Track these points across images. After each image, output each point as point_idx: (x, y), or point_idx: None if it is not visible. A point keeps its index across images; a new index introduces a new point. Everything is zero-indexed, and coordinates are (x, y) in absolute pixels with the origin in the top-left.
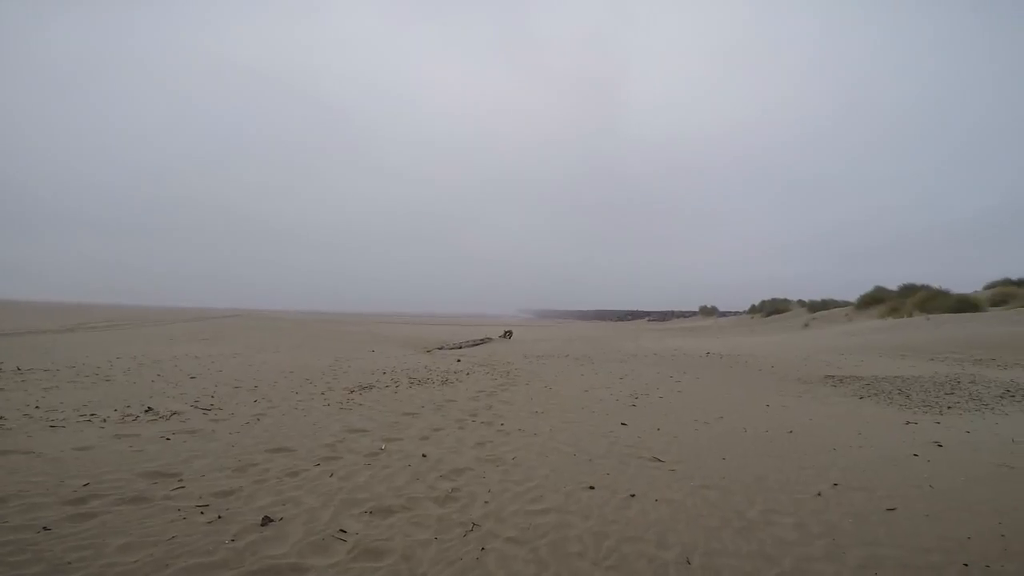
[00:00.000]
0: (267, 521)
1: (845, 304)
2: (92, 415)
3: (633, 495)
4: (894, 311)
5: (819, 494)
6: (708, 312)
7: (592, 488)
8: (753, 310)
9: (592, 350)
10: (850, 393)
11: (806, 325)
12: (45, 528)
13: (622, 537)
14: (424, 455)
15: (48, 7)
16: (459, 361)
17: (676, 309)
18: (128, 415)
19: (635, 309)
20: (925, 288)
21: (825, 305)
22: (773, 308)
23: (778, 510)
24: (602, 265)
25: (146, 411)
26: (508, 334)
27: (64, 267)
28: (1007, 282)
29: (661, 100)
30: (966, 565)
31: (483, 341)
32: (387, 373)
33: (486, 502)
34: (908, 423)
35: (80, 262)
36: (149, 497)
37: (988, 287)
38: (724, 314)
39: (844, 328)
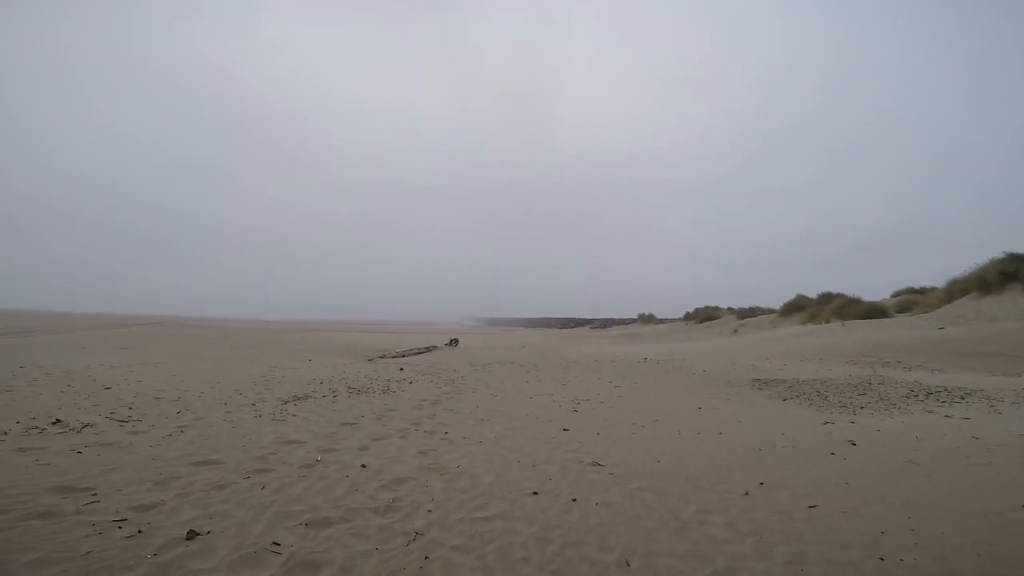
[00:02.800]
0: (193, 535)
1: (770, 311)
2: None
3: (575, 500)
4: (814, 317)
5: (747, 493)
6: (646, 319)
7: (536, 494)
8: (687, 317)
9: (537, 357)
10: (775, 395)
11: (735, 331)
12: None
13: (565, 542)
14: (363, 465)
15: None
16: (402, 370)
17: (617, 316)
18: (33, 427)
19: (578, 317)
20: (840, 296)
21: (752, 312)
22: (706, 315)
23: (710, 510)
24: (546, 273)
25: (54, 423)
26: (454, 342)
27: None
28: (911, 290)
29: (594, 114)
30: (882, 559)
31: (428, 349)
32: (324, 383)
33: (429, 511)
34: (826, 423)
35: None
36: (59, 512)
37: (895, 295)
38: (661, 321)
39: (769, 334)
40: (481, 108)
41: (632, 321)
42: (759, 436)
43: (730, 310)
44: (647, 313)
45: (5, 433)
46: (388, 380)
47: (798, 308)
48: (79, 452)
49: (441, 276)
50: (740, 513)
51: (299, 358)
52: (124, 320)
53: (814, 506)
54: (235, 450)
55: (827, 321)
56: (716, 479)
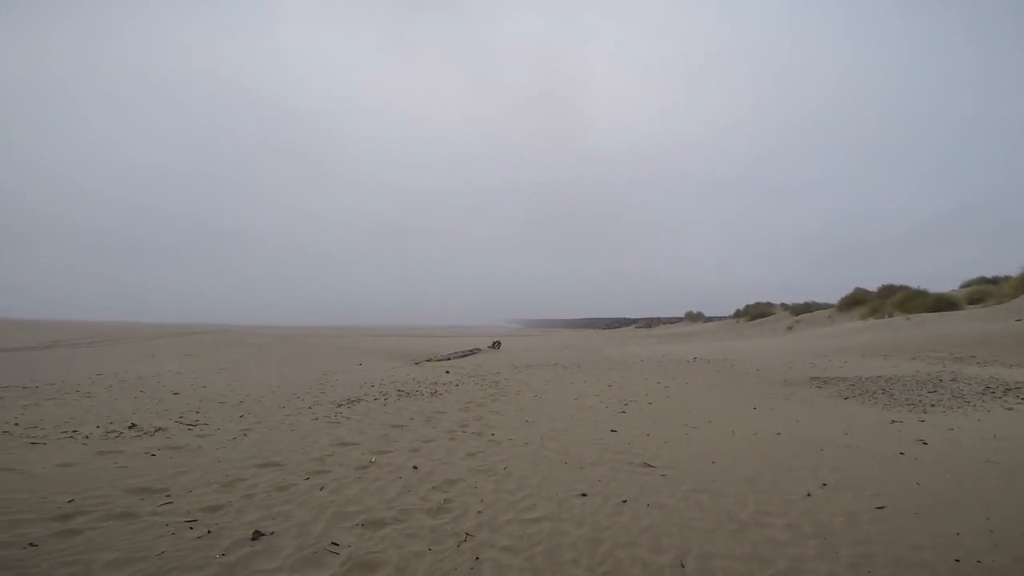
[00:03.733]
0: (258, 535)
1: (827, 307)
2: (74, 432)
3: (625, 501)
4: (875, 312)
5: (809, 495)
6: (694, 317)
7: (584, 495)
8: (738, 314)
9: (581, 358)
10: (835, 394)
11: (790, 328)
12: (31, 544)
13: (616, 543)
14: (415, 467)
15: (43, 35)
16: (448, 372)
17: (663, 315)
18: (111, 432)
19: (622, 316)
20: (904, 288)
21: (808, 308)
22: (757, 312)
23: (769, 511)
24: (586, 274)
25: (130, 427)
26: (496, 344)
27: (33, 283)
28: (982, 280)
29: (620, 111)
30: (957, 561)
31: (471, 352)
32: (375, 386)
33: (479, 512)
34: (893, 422)
35: (50, 278)
36: (136, 513)
37: (964, 285)
38: (710, 319)
39: (827, 330)
40: (504, 112)
41: (679, 320)
42: (820, 436)
43: (783, 306)
44: (695, 311)
45: (87, 437)
46: (435, 383)
47: (857, 302)
48: (153, 455)
49: (481, 279)
50: (801, 515)
51: (350, 362)
52: (186, 329)
53: (882, 507)
54: (294, 452)
55: (890, 315)
56: (775, 480)
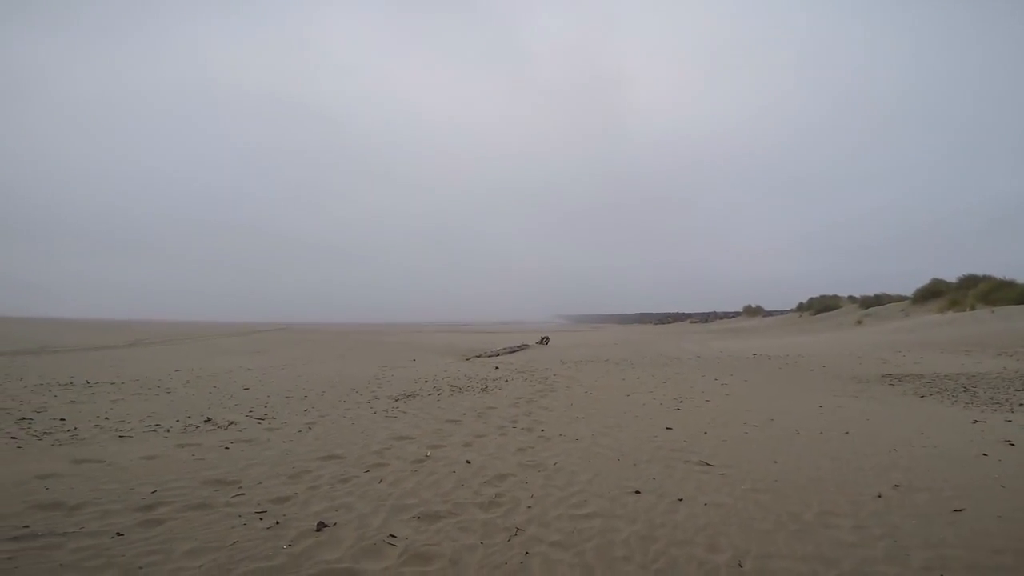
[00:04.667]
0: (322, 526)
1: (900, 299)
2: (156, 425)
3: (681, 499)
4: (954, 304)
5: (879, 495)
6: (753, 312)
7: (638, 492)
8: (801, 308)
9: (632, 354)
10: (910, 392)
11: (859, 322)
12: (118, 534)
13: (671, 541)
14: (468, 461)
15: (74, 48)
16: (497, 368)
17: (719, 310)
18: (189, 425)
19: (676, 311)
20: (987, 279)
21: (879, 300)
22: (822, 305)
23: (835, 512)
24: (636, 267)
25: (205, 421)
26: (545, 340)
27: (115, 286)
28: None
29: (660, 100)
30: None
31: (520, 348)
32: (429, 381)
33: (529, 507)
34: (975, 422)
35: (130, 281)
36: (212, 504)
37: None
38: (770, 313)
39: (900, 324)
40: (542, 108)
41: (737, 314)
42: (893, 435)
43: (851, 299)
44: (754, 305)
45: (168, 430)
46: (485, 379)
47: (935, 294)
48: (226, 448)
49: (528, 275)
50: (871, 516)
51: (404, 358)
52: (253, 327)
53: (960, 510)
54: (355, 445)
55: (972, 308)
56: (843, 481)
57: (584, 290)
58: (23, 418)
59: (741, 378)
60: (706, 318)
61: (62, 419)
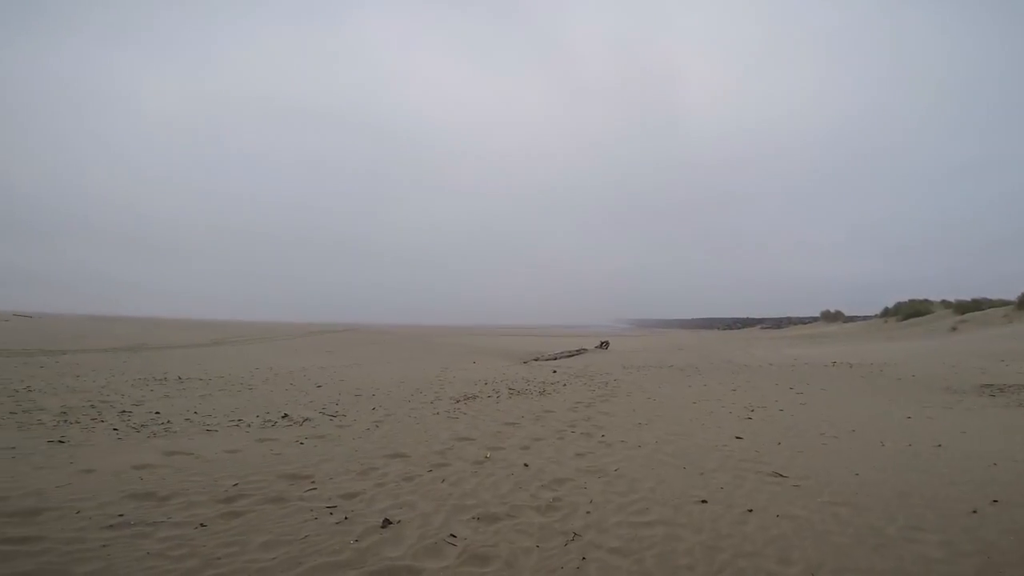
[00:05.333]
0: (387, 523)
1: (1003, 304)
2: (239, 420)
3: (751, 510)
4: None
5: (975, 511)
6: (831, 317)
7: (704, 502)
8: (886, 313)
9: (698, 360)
10: (1013, 403)
11: (953, 328)
12: (202, 525)
13: (738, 552)
14: (526, 464)
15: (140, 65)
16: (555, 372)
17: (793, 315)
18: (268, 421)
19: (745, 316)
20: None
21: (977, 305)
22: (911, 310)
23: (922, 527)
24: (701, 270)
25: (283, 417)
26: (604, 344)
27: (199, 287)
28: None
29: (715, 94)
30: None
31: (578, 352)
32: (488, 384)
33: (588, 512)
34: None
35: (212, 283)
36: (286, 497)
37: None
38: (851, 319)
39: (1002, 331)
40: (590, 108)
41: (814, 320)
42: (992, 449)
43: (944, 303)
44: (832, 310)
45: (249, 425)
46: (543, 382)
47: None
48: (301, 443)
49: (586, 279)
50: (963, 532)
51: (465, 360)
52: (323, 327)
53: None
54: (419, 444)
55: None
56: (933, 495)
57: (647, 294)
58: (124, 411)
59: (819, 387)
60: (779, 323)
61: (157, 412)
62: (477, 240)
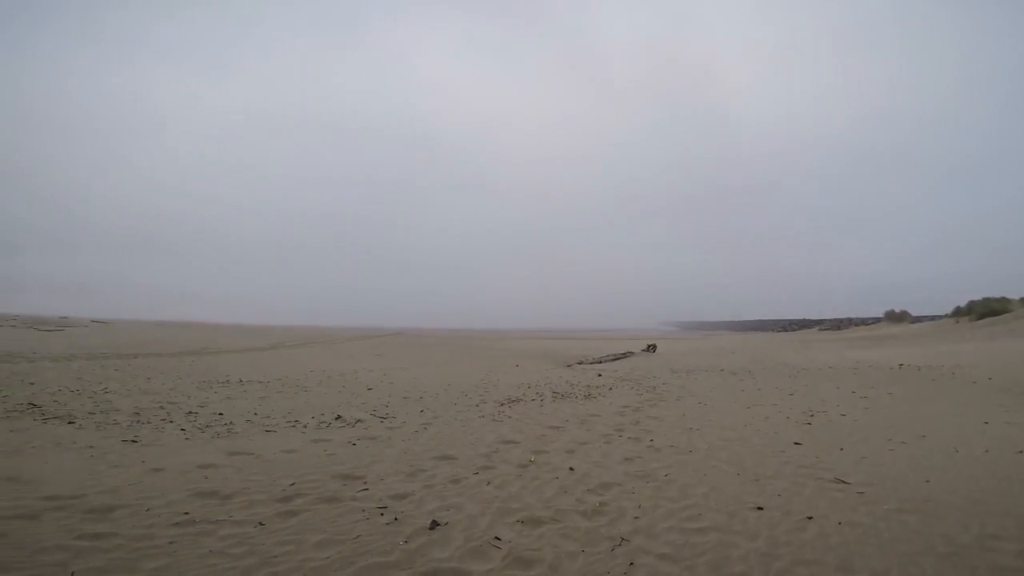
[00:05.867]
0: (435, 525)
1: None
2: (296, 421)
3: (810, 517)
4: None
5: None
6: (897, 318)
7: (760, 509)
8: (958, 313)
9: (751, 364)
10: None
11: None
12: (260, 523)
13: (796, 560)
14: (571, 468)
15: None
16: (600, 376)
17: (854, 315)
18: (323, 422)
19: (801, 317)
20: None
21: None
22: (986, 309)
23: (1000, 536)
24: (752, 270)
25: (336, 418)
26: (652, 348)
27: (255, 294)
28: None
29: (767, 97)
30: None
31: (624, 355)
32: (531, 387)
33: (636, 517)
34: None
35: (267, 290)
36: (340, 497)
37: None
38: (918, 319)
39: None
40: (629, 108)
41: (877, 320)
42: None
43: None
44: (897, 310)
45: (305, 426)
46: (588, 386)
47: None
48: (354, 444)
49: (631, 280)
50: None
51: (508, 363)
52: (372, 332)
53: None
54: (465, 447)
55: None
56: (1013, 503)
57: (694, 295)
58: (190, 412)
59: (884, 391)
60: (838, 325)
61: (220, 413)
62: (515, 243)
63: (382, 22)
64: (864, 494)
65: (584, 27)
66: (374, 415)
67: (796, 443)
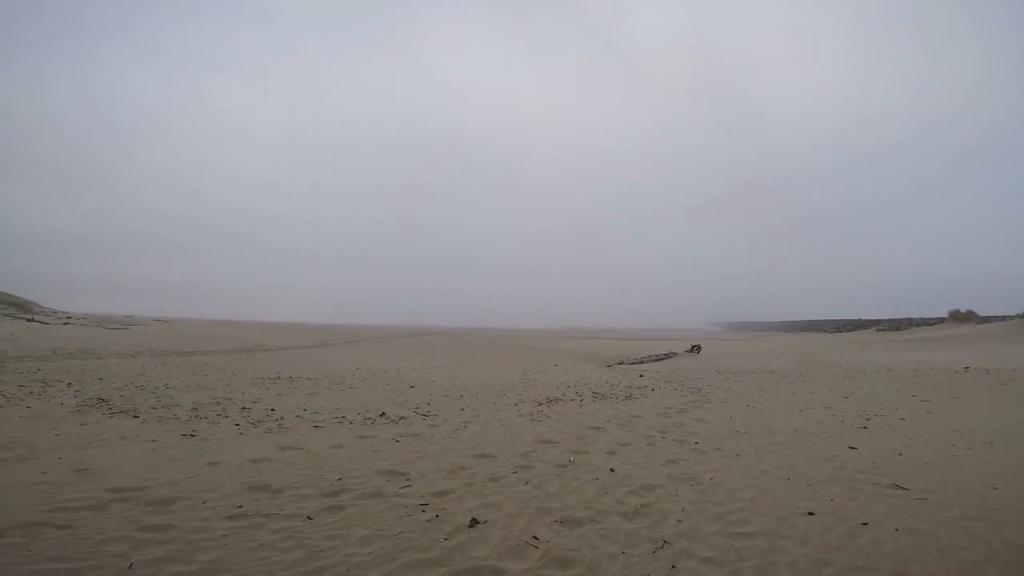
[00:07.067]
0: (474, 523)
1: None
2: (342, 417)
3: (865, 524)
4: None
5: None
6: (961, 318)
7: (811, 514)
8: None
9: (803, 365)
10: None
11: None
12: (308, 517)
13: (847, 566)
14: (612, 469)
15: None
16: (642, 376)
17: (914, 315)
18: (368, 419)
19: (856, 317)
20: None
21: None
22: None
23: None
24: (802, 269)
25: (381, 415)
26: (696, 348)
27: (302, 295)
28: None
29: (806, 89)
30: None
31: (667, 356)
32: (571, 387)
33: (679, 520)
34: None
35: (315, 290)
36: (384, 493)
37: None
38: (985, 319)
39: None
40: (670, 107)
41: (940, 321)
42: None
43: None
44: (962, 310)
45: (351, 422)
46: (629, 386)
47: None
48: (397, 441)
49: (676, 280)
50: None
51: (546, 363)
52: (415, 331)
53: None
54: (504, 446)
55: None
56: None
57: (741, 295)
58: (244, 408)
59: (948, 394)
60: (897, 325)
61: (272, 409)
62: (560, 244)
63: (416, 28)
64: (925, 500)
65: (627, 25)
66: (417, 412)
67: (851, 447)
